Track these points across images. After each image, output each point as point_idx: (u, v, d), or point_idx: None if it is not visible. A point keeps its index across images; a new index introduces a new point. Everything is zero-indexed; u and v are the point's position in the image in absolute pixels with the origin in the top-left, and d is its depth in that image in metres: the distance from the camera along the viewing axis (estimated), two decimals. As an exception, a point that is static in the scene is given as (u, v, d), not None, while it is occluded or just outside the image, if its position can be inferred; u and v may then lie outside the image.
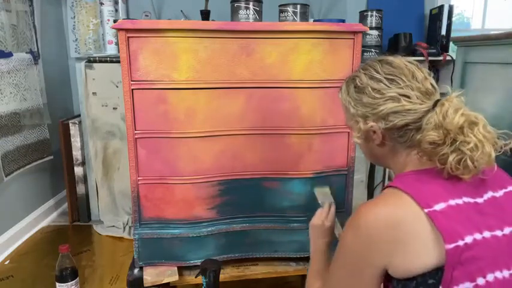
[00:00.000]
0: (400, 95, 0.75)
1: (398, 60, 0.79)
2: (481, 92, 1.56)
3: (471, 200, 0.69)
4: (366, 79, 0.79)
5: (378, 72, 0.78)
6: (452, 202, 0.67)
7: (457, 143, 0.69)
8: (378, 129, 0.78)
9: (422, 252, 0.65)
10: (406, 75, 0.76)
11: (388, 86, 0.76)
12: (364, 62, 0.85)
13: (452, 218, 0.66)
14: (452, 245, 0.63)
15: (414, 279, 0.66)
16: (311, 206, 1.38)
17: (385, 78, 0.77)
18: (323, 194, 1.24)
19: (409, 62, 0.79)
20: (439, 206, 0.66)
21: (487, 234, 0.66)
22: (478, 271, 0.64)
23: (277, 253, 1.43)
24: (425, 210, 0.66)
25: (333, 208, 1.12)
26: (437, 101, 0.74)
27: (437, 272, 0.64)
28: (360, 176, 2.13)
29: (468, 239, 0.64)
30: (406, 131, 0.76)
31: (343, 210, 1.43)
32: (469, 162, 0.68)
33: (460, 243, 0.63)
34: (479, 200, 0.70)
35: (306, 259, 1.45)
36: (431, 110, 0.73)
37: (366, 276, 0.71)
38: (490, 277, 0.64)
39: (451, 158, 0.69)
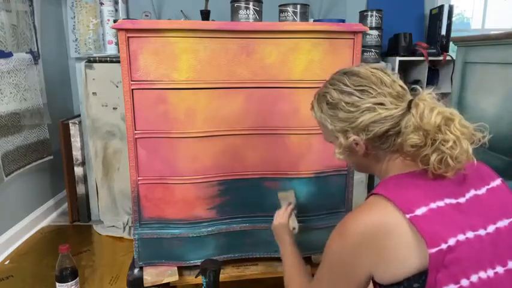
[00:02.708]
0: (375, 104, 0.75)
1: (364, 69, 0.79)
2: (480, 92, 1.56)
3: (453, 201, 0.70)
4: (337, 94, 0.79)
5: (347, 86, 0.78)
6: (433, 205, 0.68)
7: (437, 142, 0.69)
8: (360, 141, 0.78)
9: (406, 258, 0.66)
10: (375, 83, 0.76)
11: (361, 98, 0.76)
12: (330, 76, 0.85)
13: (434, 222, 0.66)
14: (435, 249, 0.63)
15: (400, 284, 0.67)
16: (311, 206, 1.38)
17: (355, 90, 0.77)
18: (285, 196, 1.29)
19: (374, 68, 0.80)
20: (420, 211, 0.66)
21: (470, 234, 0.66)
22: (462, 273, 0.64)
23: (277, 253, 1.42)
24: (407, 216, 0.66)
25: (289, 207, 1.19)
26: (411, 101, 0.74)
27: (421, 275, 0.65)
28: (360, 176, 2.13)
29: (451, 242, 0.64)
30: (388, 137, 0.76)
31: (343, 210, 1.43)
32: (449, 160, 0.69)
33: (443, 246, 0.64)
34: (462, 200, 0.71)
35: (306, 259, 1.45)
36: (407, 111, 0.74)
37: (351, 282, 0.72)
38: (474, 278, 0.64)
39: (432, 158, 0.69)
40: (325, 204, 1.41)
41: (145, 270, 1.35)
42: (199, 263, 1.30)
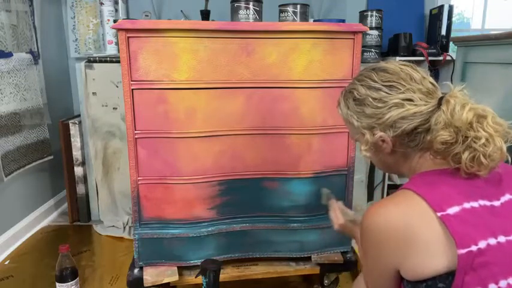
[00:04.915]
0: (403, 100, 0.73)
1: (393, 65, 0.78)
2: (481, 92, 1.56)
3: (488, 203, 0.68)
4: (364, 90, 0.77)
5: (375, 81, 0.76)
6: (467, 205, 0.66)
7: (469, 140, 0.67)
8: (387, 137, 0.76)
9: (432, 257, 0.64)
10: (404, 78, 0.75)
11: (389, 93, 0.74)
12: (358, 73, 0.83)
13: (466, 222, 0.64)
14: (464, 250, 0.62)
15: (424, 282, 0.65)
16: (311, 206, 1.38)
17: (383, 86, 0.75)
18: (326, 194, 1.23)
19: (403, 64, 0.78)
20: (452, 210, 0.65)
21: (502, 239, 0.64)
22: (491, 277, 0.62)
23: (277, 253, 1.43)
24: (438, 214, 0.64)
25: (335, 206, 1.12)
26: (441, 98, 0.72)
27: (448, 276, 0.63)
28: (359, 176, 2.12)
29: (482, 244, 0.63)
30: (416, 134, 0.74)
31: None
32: (482, 158, 0.67)
33: (473, 248, 0.62)
34: (496, 203, 0.69)
35: (306, 259, 1.45)
36: (437, 108, 0.72)
37: (384, 273, 0.72)
38: (503, 283, 0.62)
39: (464, 157, 0.67)
40: (325, 204, 1.41)
41: (145, 270, 1.35)
42: (199, 263, 1.30)
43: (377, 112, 0.76)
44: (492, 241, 0.64)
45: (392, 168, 0.85)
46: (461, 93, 0.72)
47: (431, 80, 0.77)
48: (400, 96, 0.74)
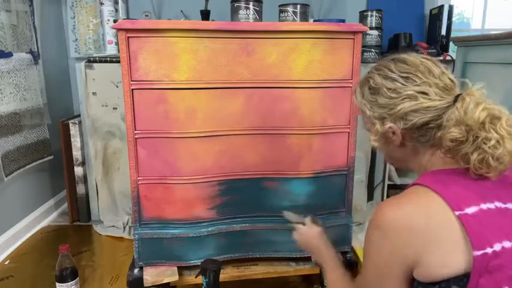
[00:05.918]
0: (418, 92, 0.72)
1: (413, 57, 0.76)
2: (481, 92, 1.56)
3: (502, 206, 0.66)
4: (380, 79, 0.76)
5: (392, 71, 0.75)
6: (484, 206, 0.65)
7: (479, 140, 0.66)
8: (396, 129, 0.75)
9: (448, 257, 0.62)
10: (422, 71, 0.73)
11: (404, 85, 0.73)
12: (377, 62, 0.81)
13: (483, 224, 0.63)
14: (480, 252, 0.61)
15: (437, 284, 0.64)
16: (311, 206, 1.38)
17: (400, 76, 0.74)
18: (292, 215, 1.21)
19: (424, 57, 0.76)
20: (470, 210, 0.63)
21: None
22: (505, 280, 0.61)
23: (277, 253, 1.43)
24: (456, 213, 0.63)
25: (306, 219, 1.14)
26: (458, 95, 0.71)
27: (462, 278, 0.62)
28: (360, 176, 2.12)
29: (497, 247, 0.61)
30: (427, 129, 0.73)
31: (343, 210, 1.43)
32: (491, 160, 0.65)
33: (489, 250, 0.61)
34: (510, 206, 0.67)
35: (306, 259, 1.45)
36: (452, 105, 0.70)
37: (394, 276, 0.68)
38: None
39: (473, 158, 0.66)
40: (325, 204, 1.41)
41: (145, 270, 1.35)
42: (199, 263, 1.30)
43: (390, 102, 0.74)
44: (507, 244, 0.62)
45: (401, 162, 0.83)
46: (479, 92, 0.70)
47: (451, 76, 0.75)
48: (415, 88, 0.72)
